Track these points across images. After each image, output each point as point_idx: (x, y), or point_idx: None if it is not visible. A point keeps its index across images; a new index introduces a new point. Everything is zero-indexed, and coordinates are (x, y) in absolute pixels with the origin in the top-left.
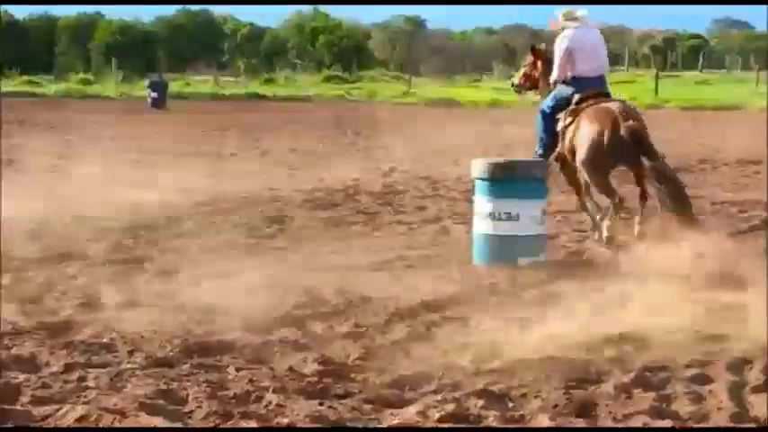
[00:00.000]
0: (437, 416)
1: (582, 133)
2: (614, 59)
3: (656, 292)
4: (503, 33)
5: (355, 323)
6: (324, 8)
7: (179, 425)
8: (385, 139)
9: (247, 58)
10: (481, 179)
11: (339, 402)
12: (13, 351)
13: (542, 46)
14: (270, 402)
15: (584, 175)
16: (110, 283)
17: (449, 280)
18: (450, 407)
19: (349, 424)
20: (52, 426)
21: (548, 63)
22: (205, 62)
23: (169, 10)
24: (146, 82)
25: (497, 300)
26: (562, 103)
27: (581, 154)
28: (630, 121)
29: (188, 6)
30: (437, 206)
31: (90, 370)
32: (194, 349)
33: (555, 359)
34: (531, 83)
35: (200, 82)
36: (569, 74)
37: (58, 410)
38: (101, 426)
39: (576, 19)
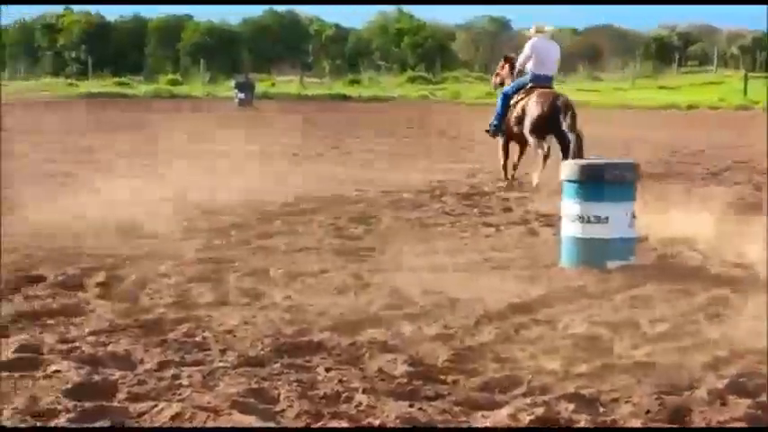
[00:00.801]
0: (528, 419)
1: (530, 104)
2: (703, 59)
3: (747, 294)
4: (587, 34)
5: (444, 325)
6: (408, 9)
7: (271, 424)
8: (469, 140)
9: (332, 59)
10: (570, 181)
11: (429, 404)
12: (109, 348)
13: (513, 55)
14: (360, 403)
15: (526, 135)
16: (201, 282)
17: (537, 282)
18: (541, 410)
19: (440, 426)
20: (148, 422)
21: (513, 66)
22: (290, 63)
23: (256, 11)
24: (231, 82)
25: (586, 303)
26: (520, 88)
27: (528, 118)
28: (564, 98)
29: (274, 7)
30: (523, 208)
31: (183, 368)
32: (284, 349)
33: (646, 364)
34: (500, 80)
35: (285, 82)
36: (530, 70)
37: (153, 407)
38: (195, 424)
39: (543, 32)
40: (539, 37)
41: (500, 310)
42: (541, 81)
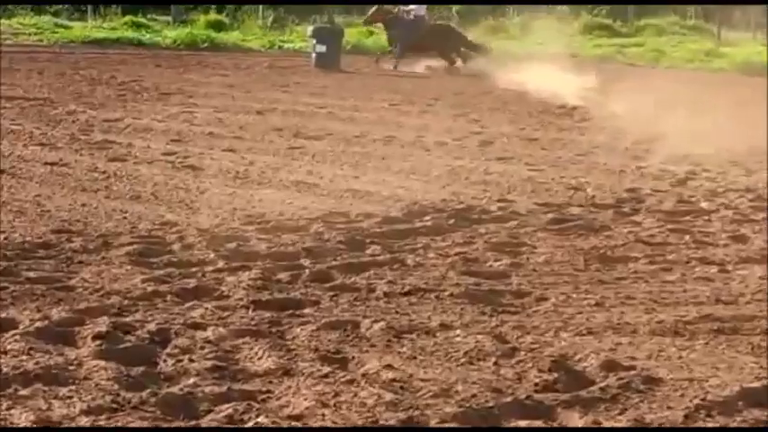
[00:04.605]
0: None
1: None
2: None
3: None
4: None
5: (637, 417)
6: None
7: None
8: (678, 128)
9: None
10: None
11: None
12: None
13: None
14: None
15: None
16: (254, 339)
17: None
18: None
19: None
20: None
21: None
22: None
23: None
24: (308, 29)
25: None
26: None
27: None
28: None
29: None
30: (765, 236)
31: None
32: None
33: None
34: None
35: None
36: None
37: None
38: None
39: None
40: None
41: (726, 398)
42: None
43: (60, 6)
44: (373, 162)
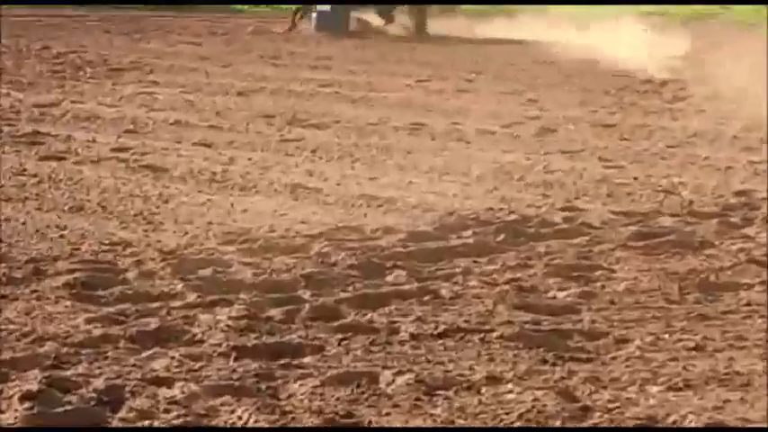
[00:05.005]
0: None
1: None
2: None
3: None
4: None
5: None
6: None
7: None
8: None
9: None
10: None
11: None
12: None
13: None
14: None
15: None
16: (236, 398)
17: None
18: None
19: None
20: None
21: None
22: None
23: None
24: None
25: None
26: None
27: None
28: None
29: None
30: None
31: None
32: None
33: None
34: None
35: None
36: None
37: None
38: None
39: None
40: None
41: None
42: None
43: None
44: (395, 158)
